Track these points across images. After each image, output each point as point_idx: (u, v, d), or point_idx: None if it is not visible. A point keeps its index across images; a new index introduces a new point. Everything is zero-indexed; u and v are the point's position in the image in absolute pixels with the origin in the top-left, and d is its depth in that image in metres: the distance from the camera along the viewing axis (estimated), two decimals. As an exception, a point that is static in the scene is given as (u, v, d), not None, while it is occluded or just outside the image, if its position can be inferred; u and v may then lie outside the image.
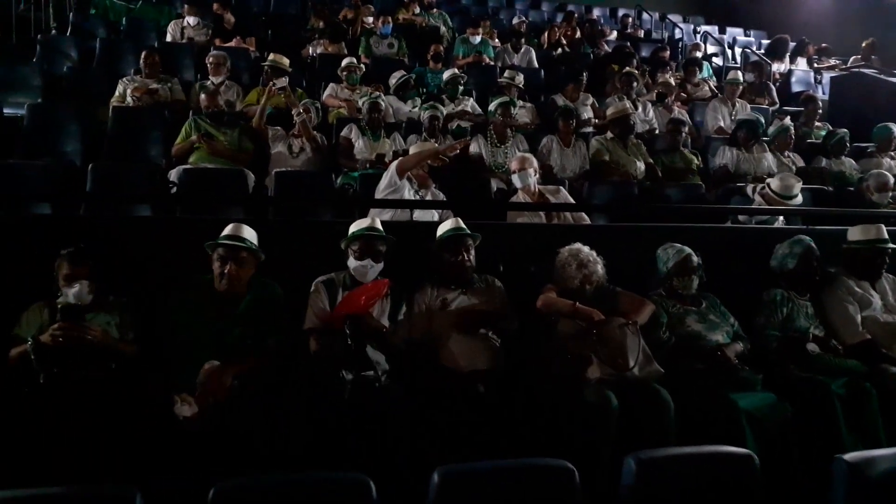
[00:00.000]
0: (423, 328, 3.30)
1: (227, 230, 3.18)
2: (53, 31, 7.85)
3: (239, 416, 2.74)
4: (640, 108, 6.65)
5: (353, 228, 3.34)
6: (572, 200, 4.66)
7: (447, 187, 4.67)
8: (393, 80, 6.36)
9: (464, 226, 3.46)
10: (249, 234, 3.19)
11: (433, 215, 4.38)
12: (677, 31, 11.51)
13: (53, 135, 5.19)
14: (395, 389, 2.99)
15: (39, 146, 5.08)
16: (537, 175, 4.57)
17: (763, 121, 6.57)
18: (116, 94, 5.91)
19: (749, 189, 5.20)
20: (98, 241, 3.14)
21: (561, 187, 4.72)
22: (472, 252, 3.44)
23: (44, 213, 4.10)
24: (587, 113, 6.50)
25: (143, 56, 6.01)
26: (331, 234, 3.44)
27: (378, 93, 5.74)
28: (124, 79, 6.03)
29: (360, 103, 5.73)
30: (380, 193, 4.34)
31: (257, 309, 3.11)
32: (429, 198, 4.51)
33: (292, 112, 5.34)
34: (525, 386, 3.10)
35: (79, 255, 2.98)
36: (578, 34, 9.63)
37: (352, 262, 3.28)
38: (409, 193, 4.41)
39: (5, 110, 5.42)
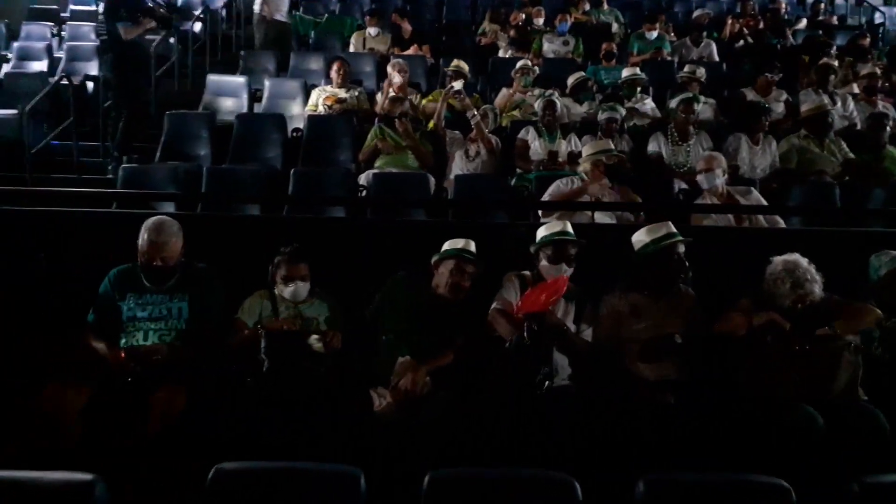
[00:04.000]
0: (610, 333, 3.26)
1: (460, 244, 3.34)
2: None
3: (433, 410, 2.89)
4: (838, 103, 6.13)
5: (543, 232, 3.32)
6: (764, 202, 4.40)
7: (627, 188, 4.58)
8: (570, 81, 6.32)
9: (674, 229, 3.29)
10: (474, 247, 3.35)
11: (612, 217, 4.33)
12: (877, 15, 10.45)
13: (258, 142, 5.70)
14: (568, 392, 2.98)
15: (247, 152, 5.61)
16: (726, 175, 4.36)
17: None
18: (309, 103, 6.37)
19: None
20: (311, 242, 3.39)
21: (752, 188, 4.47)
22: (679, 262, 3.26)
23: (254, 215, 4.54)
24: (779, 108, 6.10)
25: (333, 67, 6.43)
26: (505, 236, 3.50)
27: (553, 92, 5.74)
28: (316, 88, 6.49)
29: (535, 104, 5.76)
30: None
31: (458, 313, 3.25)
32: (606, 199, 4.44)
33: (468, 115, 5.48)
34: (716, 399, 2.99)
35: (296, 256, 3.25)
36: (762, 24, 9.04)
37: (545, 266, 3.27)
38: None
39: (218, 118, 6.02)
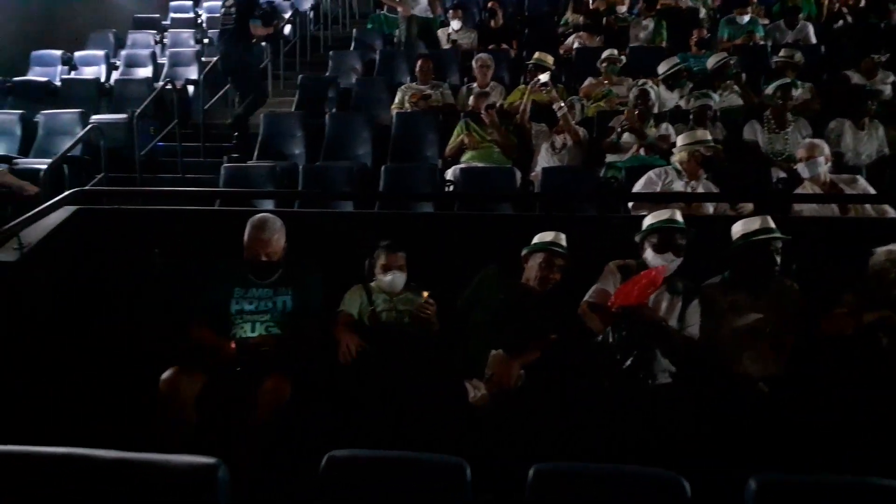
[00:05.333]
0: (710, 330, 3.15)
1: (550, 237, 3.33)
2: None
3: (528, 403, 2.89)
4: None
5: (649, 220, 3.23)
6: (872, 190, 4.16)
7: (722, 178, 4.43)
8: (662, 69, 6.13)
9: (773, 224, 3.16)
10: (564, 240, 3.34)
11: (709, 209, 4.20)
12: None
13: (349, 140, 5.83)
14: (678, 391, 2.91)
15: (339, 150, 5.75)
16: (829, 164, 4.14)
17: None
18: (396, 100, 6.46)
19: None
20: (401, 237, 3.44)
21: (858, 176, 4.24)
22: (779, 257, 3.12)
23: (347, 211, 4.64)
24: (886, 91, 5.75)
25: (418, 64, 6.48)
26: (594, 228, 3.42)
27: (647, 81, 5.60)
28: (402, 86, 6.57)
29: (629, 93, 5.64)
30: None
31: (550, 307, 3.23)
32: (700, 190, 4.31)
33: (554, 107, 5.42)
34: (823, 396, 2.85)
35: (395, 246, 3.33)
36: (863, 2, 8.52)
37: (649, 255, 3.16)
38: (679, 186, 4.26)
39: (311, 119, 6.19)
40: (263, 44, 8.02)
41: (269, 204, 4.60)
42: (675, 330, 3.10)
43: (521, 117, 5.56)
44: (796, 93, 5.38)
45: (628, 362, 2.98)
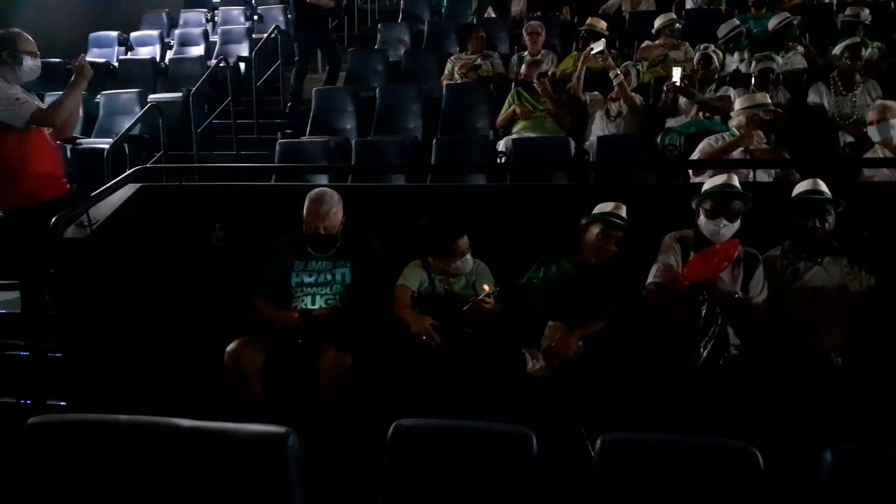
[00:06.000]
0: (776, 300, 3.06)
1: (609, 207, 3.27)
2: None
3: (584, 375, 2.87)
4: None
5: (707, 185, 3.16)
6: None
7: (787, 142, 4.27)
8: (722, 32, 5.92)
9: (823, 188, 3.10)
10: (624, 212, 3.28)
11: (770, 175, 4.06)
12: None
13: (399, 113, 5.82)
14: (748, 363, 2.85)
15: (389, 124, 5.74)
16: None
17: None
18: (445, 72, 6.40)
19: None
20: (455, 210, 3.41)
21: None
22: (832, 218, 3.06)
23: (400, 185, 4.65)
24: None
25: (468, 34, 6.41)
26: (649, 196, 3.33)
27: (710, 46, 5.42)
28: (451, 57, 6.51)
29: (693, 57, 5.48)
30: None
31: (609, 279, 3.19)
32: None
33: (610, 75, 5.29)
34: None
35: (459, 233, 3.22)
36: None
37: (702, 221, 3.09)
38: (737, 152, 4.13)
39: (362, 93, 6.20)
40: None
41: (322, 179, 4.64)
42: (747, 301, 3.02)
43: (575, 86, 5.45)
44: (865, 52, 5.11)
45: (710, 339, 2.89)
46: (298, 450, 1.90)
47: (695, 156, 4.30)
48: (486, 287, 3.13)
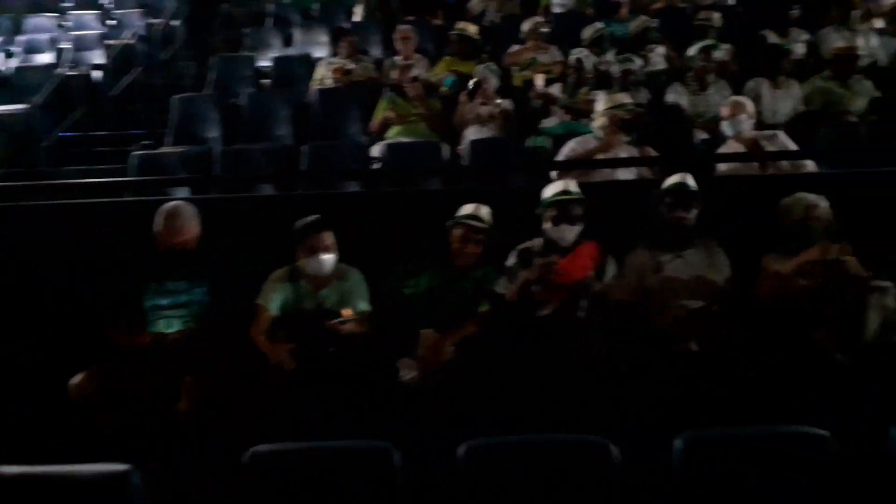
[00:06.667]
0: (635, 291, 3.23)
1: (469, 209, 3.30)
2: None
3: (459, 379, 2.89)
4: (860, 39, 5.94)
5: (546, 194, 3.30)
6: (793, 145, 4.29)
7: (645, 142, 4.48)
8: (586, 35, 6.15)
9: (691, 182, 3.30)
10: (486, 213, 3.32)
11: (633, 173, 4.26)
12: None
13: (268, 120, 5.67)
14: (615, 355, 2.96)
15: (258, 131, 5.58)
16: (752, 121, 4.25)
17: None
18: (317, 76, 6.30)
19: None
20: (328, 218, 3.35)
21: (778, 132, 4.35)
22: (695, 211, 3.27)
23: (268, 195, 4.52)
24: (800, 50, 5.92)
25: (339, 38, 6.34)
26: (523, 199, 3.44)
27: (583, 50, 5.63)
28: (322, 61, 6.41)
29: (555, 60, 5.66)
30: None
31: (481, 284, 3.24)
32: (622, 155, 4.35)
33: (469, 84, 5.36)
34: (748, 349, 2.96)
35: (319, 225, 3.15)
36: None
37: (548, 228, 3.24)
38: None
39: (228, 100, 6.00)
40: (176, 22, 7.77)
41: (184, 192, 4.44)
42: (607, 291, 3.17)
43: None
44: (717, 54, 5.48)
45: (597, 339, 3.02)
46: (140, 487, 1.79)
47: (559, 157, 4.43)
48: (345, 312, 3.04)
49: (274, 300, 3.14)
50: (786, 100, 5.16)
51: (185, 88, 6.82)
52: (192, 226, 3.10)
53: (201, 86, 6.82)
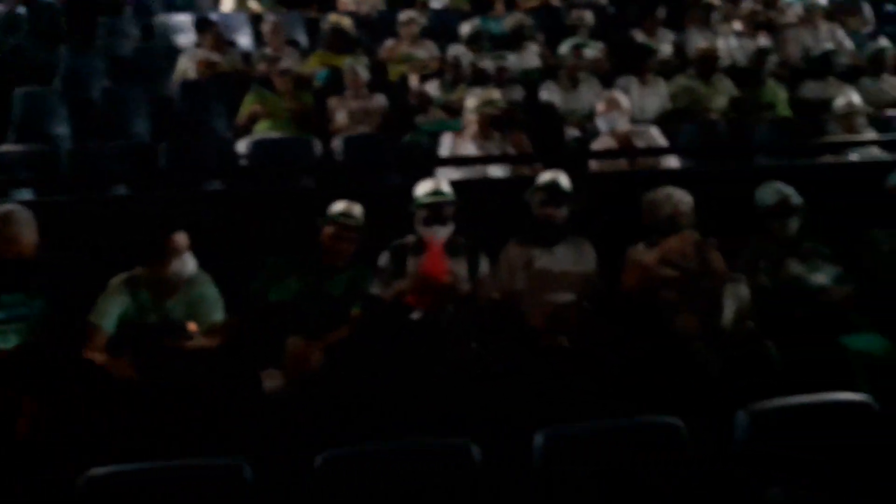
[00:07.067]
0: (507, 288, 3.29)
1: (342, 206, 3.25)
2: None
3: (327, 386, 2.83)
4: (721, 40, 6.35)
5: (419, 191, 3.32)
6: (663, 139, 4.51)
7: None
8: (463, 31, 6.21)
9: (563, 179, 3.40)
10: (359, 211, 3.28)
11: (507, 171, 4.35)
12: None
13: (124, 116, 5.36)
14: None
15: (113, 128, 5.26)
16: (627, 117, 4.44)
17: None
18: (179, 69, 6.03)
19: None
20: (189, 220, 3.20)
21: (651, 128, 4.57)
22: (566, 208, 3.38)
23: (119, 195, 4.28)
24: (667, 49, 6.24)
25: (204, 29, 6.10)
26: (398, 197, 3.45)
27: (461, 47, 5.68)
28: (186, 53, 6.14)
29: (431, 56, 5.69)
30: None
31: (353, 285, 3.21)
32: (494, 152, 4.43)
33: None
34: (616, 342, 3.08)
35: (169, 226, 2.99)
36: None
37: (420, 227, 3.29)
38: (472, 149, 4.36)
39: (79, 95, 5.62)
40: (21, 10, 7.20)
41: (27, 194, 4.13)
42: (479, 290, 3.23)
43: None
44: (588, 52, 5.69)
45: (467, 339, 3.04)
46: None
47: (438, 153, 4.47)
48: (190, 326, 2.90)
49: (109, 315, 2.93)
50: (653, 97, 5.43)
51: (30, 81, 6.31)
52: (27, 233, 2.88)
53: (49, 78, 6.35)
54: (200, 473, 1.82)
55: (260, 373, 2.86)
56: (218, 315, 3.07)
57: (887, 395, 2.89)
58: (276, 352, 2.97)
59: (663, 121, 5.25)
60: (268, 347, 3.00)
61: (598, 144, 4.49)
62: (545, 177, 3.46)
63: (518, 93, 5.45)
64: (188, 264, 3.00)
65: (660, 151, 4.51)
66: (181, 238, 2.98)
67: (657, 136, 4.53)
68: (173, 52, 6.36)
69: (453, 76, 5.44)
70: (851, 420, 2.10)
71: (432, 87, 5.45)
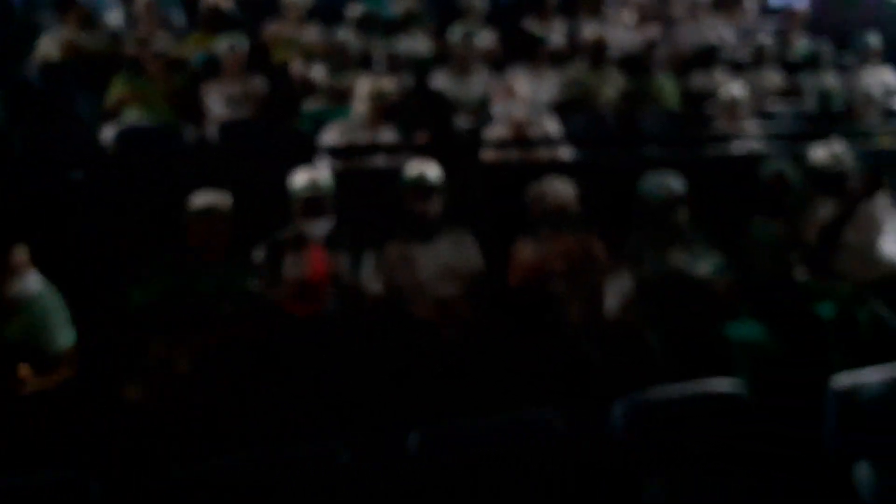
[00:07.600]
0: (389, 282, 3.27)
1: (209, 199, 3.17)
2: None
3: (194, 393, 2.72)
4: (610, 30, 6.53)
5: (295, 183, 3.25)
6: (555, 125, 4.59)
7: (405, 128, 4.57)
8: (350, 14, 6.10)
9: (430, 171, 3.38)
10: (226, 201, 3.19)
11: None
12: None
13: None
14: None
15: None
16: (523, 104, 4.48)
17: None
18: (39, 51, 5.65)
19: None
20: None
21: (544, 116, 4.63)
22: (440, 200, 3.36)
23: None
24: (559, 38, 6.36)
25: (68, 8, 5.75)
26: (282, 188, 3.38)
27: (346, 30, 5.57)
28: (48, 32, 5.77)
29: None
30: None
31: (226, 283, 3.10)
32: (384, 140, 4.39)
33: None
34: (502, 333, 3.11)
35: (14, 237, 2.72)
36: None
37: (299, 220, 3.23)
38: (362, 136, 4.30)
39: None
40: None
41: None
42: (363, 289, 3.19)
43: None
44: (480, 40, 5.72)
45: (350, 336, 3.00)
46: None
47: (324, 142, 4.37)
48: (21, 369, 2.58)
49: None
50: (545, 87, 5.52)
51: None
52: None
53: None
54: (39, 491, 1.69)
55: (122, 383, 2.70)
56: (65, 338, 2.83)
57: (766, 383, 3.09)
58: (140, 358, 2.83)
59: (554, 111, 5.36)
60: (131, 353, 2.85)
61: (490, 132, 4.52)
62: (412, 171, 3.43)
63: (407, 80, 5.42)
64: (29, 283, 2.74)
65: (548, 142, 4.58)
66: (20, 254, 2.71)
67: (550, 124, 4.60)
68: (32, 32, 5.95)
69: (339, 61, 5.34)
70: (722, 409, 2.18)
71: (317, 72, 5.33)
